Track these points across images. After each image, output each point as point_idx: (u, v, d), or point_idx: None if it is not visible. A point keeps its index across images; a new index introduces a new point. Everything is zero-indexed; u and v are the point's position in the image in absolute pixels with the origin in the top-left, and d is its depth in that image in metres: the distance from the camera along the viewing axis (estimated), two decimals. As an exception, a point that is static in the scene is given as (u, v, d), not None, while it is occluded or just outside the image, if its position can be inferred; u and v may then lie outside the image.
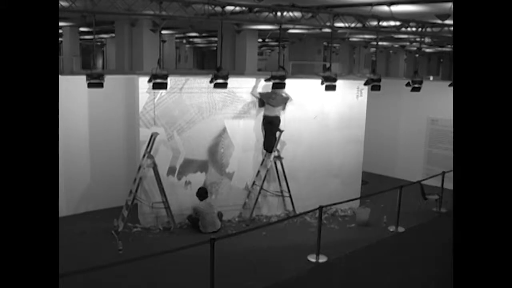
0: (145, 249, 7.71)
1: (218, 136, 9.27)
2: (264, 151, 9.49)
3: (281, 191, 9.65)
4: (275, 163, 9.42)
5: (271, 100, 9.26)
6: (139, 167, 8.44)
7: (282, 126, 9.62)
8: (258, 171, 9.53)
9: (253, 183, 9.52)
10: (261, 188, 9.32)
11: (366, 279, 6.94)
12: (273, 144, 9.33)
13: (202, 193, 8.90)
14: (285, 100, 9.44)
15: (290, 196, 9.60)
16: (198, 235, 8.48)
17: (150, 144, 8.34)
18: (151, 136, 8.36)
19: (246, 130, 9.43)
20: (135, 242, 8.22)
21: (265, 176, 9.33)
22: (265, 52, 27.41)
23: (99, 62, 26.19)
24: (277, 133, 9.36)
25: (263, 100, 9.28)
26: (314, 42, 17.53)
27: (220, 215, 8.93)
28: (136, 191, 8.36)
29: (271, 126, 9.35)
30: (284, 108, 9.49)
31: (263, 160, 9.49)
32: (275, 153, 9.35)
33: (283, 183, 9.56)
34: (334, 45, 19.80)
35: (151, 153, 8.40)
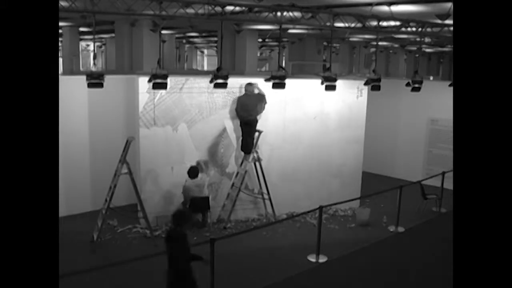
0: (144, 249, 7.71)
1: (218, 136, 9.27)
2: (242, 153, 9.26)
3: (262, 194, 9.49)
4: (254, 164, 9.23)
5: (245, 99, 8.98)
6: (114, 174, 8.04)
7: (282, 126, 9.60)
8: (237, 173, 9.41)
9: (232, 185, 9.40)
10: (239, 189, 9.22)
11: (366, 279, 6.94)
12: (250, 146, 9.06)
13: (193, 171, 8.66)
14: (261, 98, 9.08)
15: (270, 199, 9.43)
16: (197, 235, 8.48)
17: (125, 150, 7.93)
18: (127, 141, 7.96)
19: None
20: (135, 242, 8.22)
21: (243, 178, 9.23)
22: (265, 52, 27.34)
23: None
24: (256, 134, 9.16)
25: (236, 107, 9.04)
26: (314, 42, 17.50)
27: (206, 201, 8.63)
28: (111, 199, 7.94)
29: (248, 128, 9.04)
30: (261, 110, 9.10)
31: (242, 161, 9.32)
32: (254, 155, 9.18)
33: (263, 185, 9.35)
34: (334, 45, 19.78)
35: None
